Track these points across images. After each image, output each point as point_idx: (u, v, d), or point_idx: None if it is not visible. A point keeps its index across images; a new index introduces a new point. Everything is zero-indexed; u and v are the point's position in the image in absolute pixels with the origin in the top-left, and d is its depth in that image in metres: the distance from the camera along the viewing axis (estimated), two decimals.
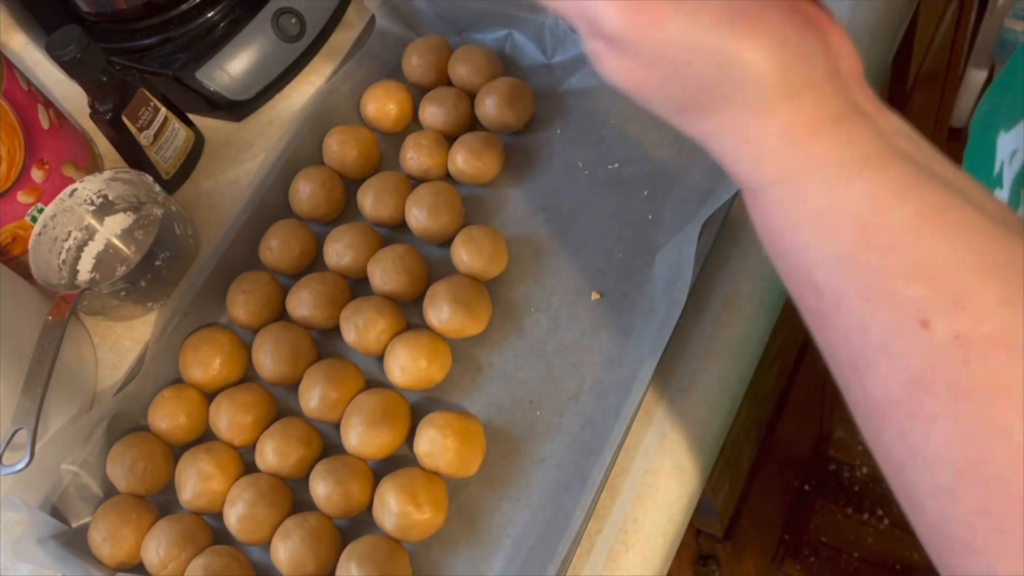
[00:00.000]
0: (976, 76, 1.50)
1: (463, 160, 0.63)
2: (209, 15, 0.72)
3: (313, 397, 0.56)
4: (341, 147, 0.66)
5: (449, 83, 0.69)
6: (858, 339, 0.30)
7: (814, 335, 0.32)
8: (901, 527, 1.30)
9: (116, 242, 0.69)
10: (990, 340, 0.28)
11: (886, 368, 0.29)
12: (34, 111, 0.65)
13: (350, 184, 0.67)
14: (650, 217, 0.60)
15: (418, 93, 0.70)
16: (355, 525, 0.54)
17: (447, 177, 0.65)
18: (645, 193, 0.61)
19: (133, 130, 0.67)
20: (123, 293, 0.63)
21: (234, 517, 0.54)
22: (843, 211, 0.30)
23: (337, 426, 0.56)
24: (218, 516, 0.56)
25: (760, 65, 0.30)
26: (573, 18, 0.32)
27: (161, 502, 0.57)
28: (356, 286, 0.63)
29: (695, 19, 0.30)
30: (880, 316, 0.29)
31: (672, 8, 0.30)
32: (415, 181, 0.65)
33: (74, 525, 0.57)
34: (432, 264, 0.62)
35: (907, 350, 0.29)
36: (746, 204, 0.34)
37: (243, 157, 0.73)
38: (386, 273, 0.60)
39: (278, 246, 0.63)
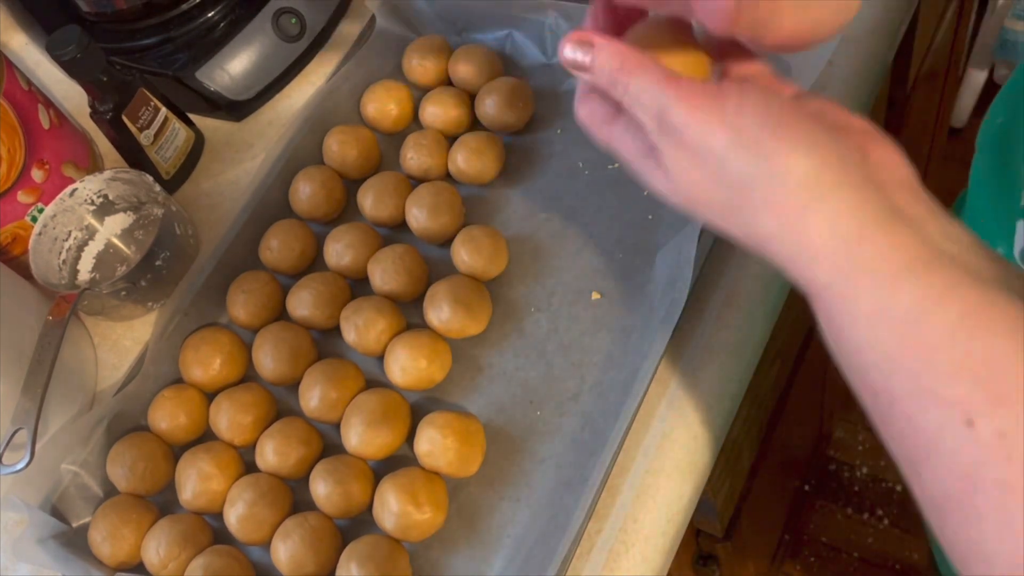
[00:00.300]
0: (976, 76, 1.50)
1: (463, 160, 0.63)
2: (209, 15, 0.72)
3: (313, 397, 0.56)
4: (341, 147, 0.66)
5: (449, 83, 0.69)
6: (911, 437, 0.31)
7: (880, 433, 0.33)
8: (901, 527, 1.30)
9: (116, 242, 0.69)
10: None
11: (938, 465, 0.30)
12: (34, 111, 0.65)
13: (350, 184, 0.67)
14: (650, 217, 0.60)
15: (418, 93, 0.70)
16: (355, 525, 0.54)
17: (447, 177, 0.65)
18: (645, 193, 0.61)
19: (133, 130, 0.67)
20: (123, 293, 0.63)
21: (234, 517, 0.54)
22: (889, 315, 0.31)
23: (337, 426, 0.56)
24: (218, 516, 0.56)
25: (792, 161, 0.33)
26: (647, 109, 0.36)
27: (161, 502, 0.57)
28: (356, 286, 0.63)
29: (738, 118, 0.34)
30: (928, 416, 0.30)
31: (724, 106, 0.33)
32: (415, 181, 0.65)
33: (74, 525, 0.57)
34: (432, 264, 0.62)
35: (955, 448, 0.29)
36: (812, 308, 0.35)
37: (243, 157, 0.73)
38: (386, 273, 0.60)
39: (278, 246, 0.63)
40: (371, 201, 0.63)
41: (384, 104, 0.67)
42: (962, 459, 0.29)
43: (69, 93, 0.75)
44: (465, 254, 0.59)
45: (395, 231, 0.65)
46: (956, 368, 0.30)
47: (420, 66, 0.68)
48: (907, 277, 0.31)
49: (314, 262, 0.65)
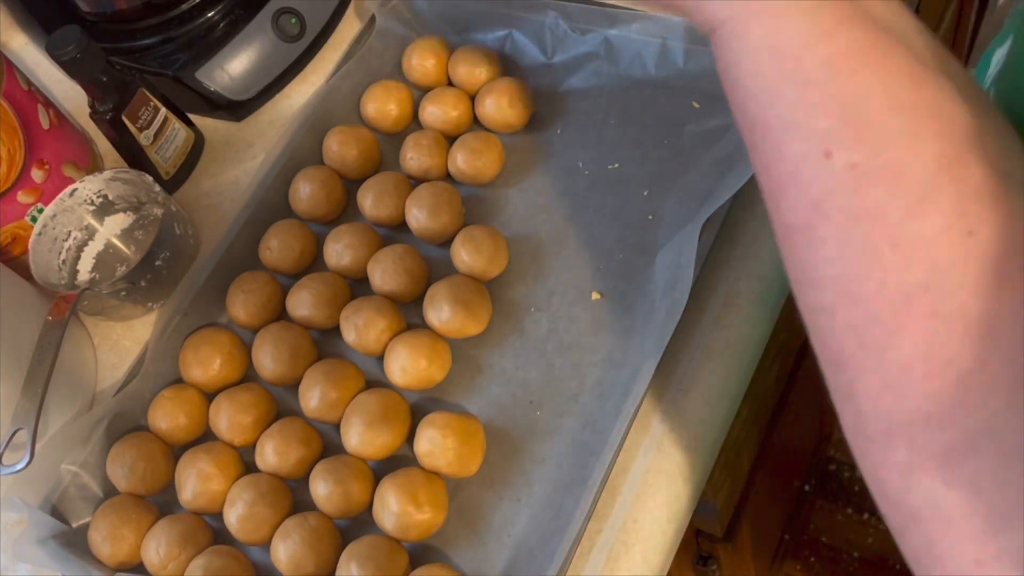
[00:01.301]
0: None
1: (463, 160, 0.63)
2: (209, 15, 0.72)
3: (313, 397, 0.56)
4: (341, 147, 0.66)
5: (449, 83, 0.69)
6: (776, 167, 0.33)
7: (754, 168, 0.35)
8: None
9: (116, 242, 0.69)
10: (881, 170, 0.30)
11: (794, 194, 0.32)
12: (34, 111, 0.65)
13: (350, 184, 0.67)
14: (650, 217, 0.60)
15: (418, 93, 0.70)
16: (355, 525, 0.54)
17: (447, 177, 0.65)
18: (645, 193, 0.61)
19: (133, 130, 0.67)
20: (123, 293, 0.63)
21: (234, 517, 0.54)
22: (774, 46, 0.32)
23: (337, 426, 0.56)
24: (218, 516, 0.56)
25: None
26: None
27: (161, 502, 0.57)
28: (356, 286, 0.63)
29: None
30: (793, 146, 0.32)
31: None
32: (415, 181, 0.65)
33: (74, 525, 0.57)
34: (432, 264, 0.62)
35: (811, 177, 0.31)
36: (712, 51, 0.36)
37: (243, 157, 0.73)
38: (386, 273, 0.60)
39: (278, 246, 0.63)
40: (371, 201, 0.63)
41: (384, 104, 0.67)
42: (815, 188, 0.31)
43: (69, 93, 0.75)
44: (465, 254, 0.59)
45: (395, 231, 0.65)
46: (825, 102, 0.31)
47: (420, 66, 0.68)
48: (799, 9, 0.32)
49: (314, 262, 0.64)
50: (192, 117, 0.73)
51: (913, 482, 0.30)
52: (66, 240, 0.67)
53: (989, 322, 0.28)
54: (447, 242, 0.62)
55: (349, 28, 0.77)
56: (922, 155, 0.30)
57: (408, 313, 0.60)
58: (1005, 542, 0.27)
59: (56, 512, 0.56)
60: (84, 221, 0.67)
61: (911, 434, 0.29)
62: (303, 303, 0.60)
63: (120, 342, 0.66)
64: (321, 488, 0.53)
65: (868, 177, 0.30)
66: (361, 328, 0.58)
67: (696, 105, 0.63)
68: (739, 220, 0.59)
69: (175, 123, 0.70)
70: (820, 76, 0.31)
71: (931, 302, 0.29)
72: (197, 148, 0.73)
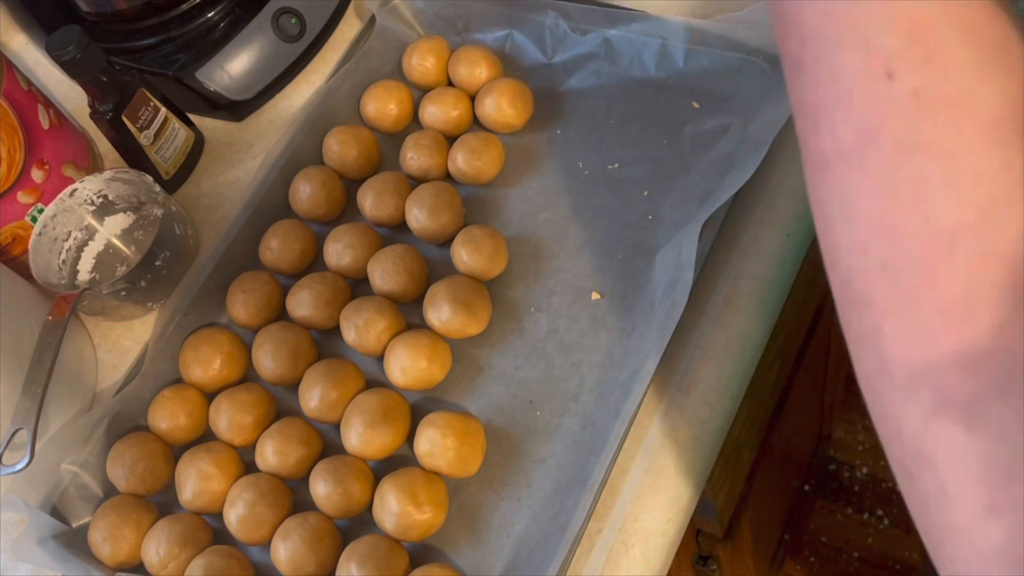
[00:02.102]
0: None
1: (463, 160, 0.63)
2: (209, 15, 0.72)
3: (313, 397, 0.56)
4: (341, 147, 0.66)
5: (449, 83, 0.69)
6: (826, 87, 0.30)
7: (789, 85, 0.33)
8: (901, 527, 1.30)
9: (116, 242, 0.69)
10: (945, 99, 0.28)
11: (844, 117, 0.30)
12: (34, 111, 0.65)
13: (350, 184, 0.67)
14: (650, 217, 0.60)
15: (418, 93, 0.70)
16: (355, 525, 0.54)
17: (447, 177, 0.65)
18: (645, 193, 0.61)
19: (133, 130, 0.67)
20: (123, 293, 0.63)
21: (234, 517, 0.54)
22: None
23: (337, 426, 0.56)
24: (218, 516, 0.56)
25: None
26: None
27: (161, 502, 0.57)
28: (356, 286, 0.63)
29: None
30: (852, 63, 0.29)
31: None
32: (415, 181, 0.65)
33: (74, 525, 0.57)
34: (432, 264, 0.62)
35: (867, 99, 0.29)
36: None
37: (243, 157, 0.73)
38: (386, 273, 0.60)
39: (278, 246, 0.63)
40: (371, 201, 0.63)
41: (384, 104, 0.67)
42: (869, 112, 0.29)
43: (69, 93, 0.75)
44: (465, 254, 0.59)
45: (395, 231, 0.65)
46: (896, 18, 0.29)
47: (420, 66, 0.68)
48: None
49: (314, 262, 0.64)
50: (192, 117, 0.73)
51: (933, 427, 0.29)
52: (66, 240, 0.67)
53: None
54: (447, 242, 0.62)
55: (349, 28, 0.77)
56: (990, 89, 0.28)
57: (408, 313, 0.60)
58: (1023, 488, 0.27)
59: (56, 512, 0.56)
60: (84, 221, 0.67)
61: (939, 379, 0.29)
62: (303, 303, 0.60)
63: (120, 342, 0.66)
64: (321, 488, 0.53)
65: (931, 105, 0.28)
66: (361, 328, 0.58)
67: (696, 105, 0.63)
68: (739, 220, 0.59)
69: (175, 123, 0.70)
70: None
71: (977, 243, 0.28)
72: (197, 148, 0.73)
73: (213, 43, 0.72)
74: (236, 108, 0.73)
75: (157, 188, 0.65)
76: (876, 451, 1.36)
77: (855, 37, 0.29)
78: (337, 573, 0.51)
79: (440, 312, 0.57)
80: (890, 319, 0.29)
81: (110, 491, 0.58)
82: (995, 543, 0.28)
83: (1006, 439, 0.27)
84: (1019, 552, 0.27)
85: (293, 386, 0.59)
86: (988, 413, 0.28)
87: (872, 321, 0.30)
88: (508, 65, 0.69)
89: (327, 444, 0.57)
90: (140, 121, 0.67)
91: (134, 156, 0.69)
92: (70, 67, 0.62)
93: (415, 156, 0.65)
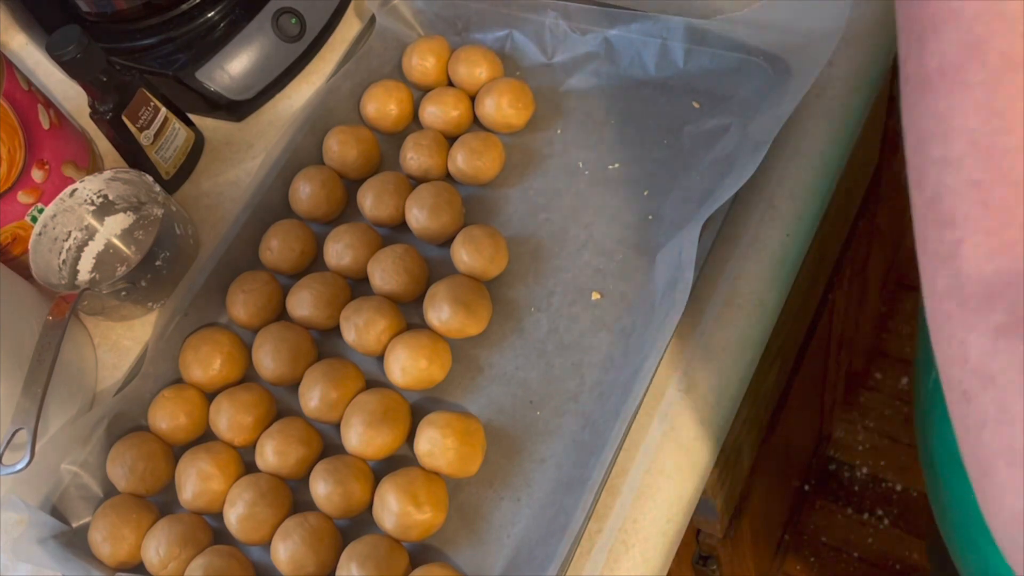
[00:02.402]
0: None
1: (463, 160, 0.63)
2: (209, 15, 0.72)
3: (313, 397, 0.56)
4: (341, 147, 0.66)
5: (449, 83, 0.69)
6: (934, 4, 0.30)
7: (898, 6, 0.32)
8: (901, 527, 1.30)
9: (116, 242, 0.69)
10: None
11: (952, 33, 0.29)
12: (34, 111, 0.65)
13: (350, 184, 0.67)
14: (650, 217, 0.60)
15: (418, 93, 0.70)
16: (355, 525, 0.54)
17: (447, 177, 0.65)
18: (645, 193, 0.61)
19: (133, 130, 0.67)
20: (123, 293, 0.63)
21: (234, 517, 0.54)
22: None
23: (337, 426, 0.56)
24: (218, 516, 0.56)
25: None
26: None
27: (161, 502, 0.57)
28: (356, 286, 0.63)
29: None
30: None
31: None
32: (415, 181, 0.65)
33: (74, 525, 0.57)
34: (432, 264, 0.62)
35: (976, 15, 0.29)
36: None
37: (243, 157, 0.73)
38: (386, 273, 0.60)
39: (278, 246, 0.63)
40: (371, 201, 0.63)
41: (384, 104, 0.67)
42: (978, 26, 0.29)
43: (69, 93, 0.75)
44: (465, 254, 0.59)
45: (395, 231, 0.65)
46: None
47: (420, 66, 0.68)
48: None
49: (314, 262, 0.64)
50: (192, 117, 0.73)
51: (1002, 345, 0.29)
52: (66, 240, 0.67)
53: None
54: (447, 242, 0.62)
55: (349, 28, 0.77)
56: None
57: (408, 313, 0.60)
58: None
59: (56, 512, 0.56)
60: (84, 221, 0.67)
61: (1014, 296, 0.29)
62: (303, 303, 0.60)
63: (120, 342, 0.66)
64: (321, 488, 0.53)
65: None
66: (361, 328, 0.58)
67: (696, 105, 0.63)
68: (739, 220, 0.59)
69: (175, 123, 0.70)
70: None
71: None
72: (197, 148, 0.73)
73: (213, 43, 0.72)
74: (236, 108, 0.73)
75: (157, 188, 0.65)
76: (876, 451, 1.36)
77: None
78: (337, 573, 0.51)
79: (440, 312, 0.57)
80: (973, 236, 0.29)
81: (110, 491, 0.58)
82: None
83: None
84: None
85: (293, 386, 0.59)
86: None
87: (953, 238, 0.30)
88: (508, 65, 0.69)
89: (327, 444, 0.57)
90: (140, 121, 0.67)
91: (134, 156, 0.69)
92: (70, 67, 0.62)
93: (415, 156, 0.65)
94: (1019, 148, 0.28)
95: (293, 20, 0.73)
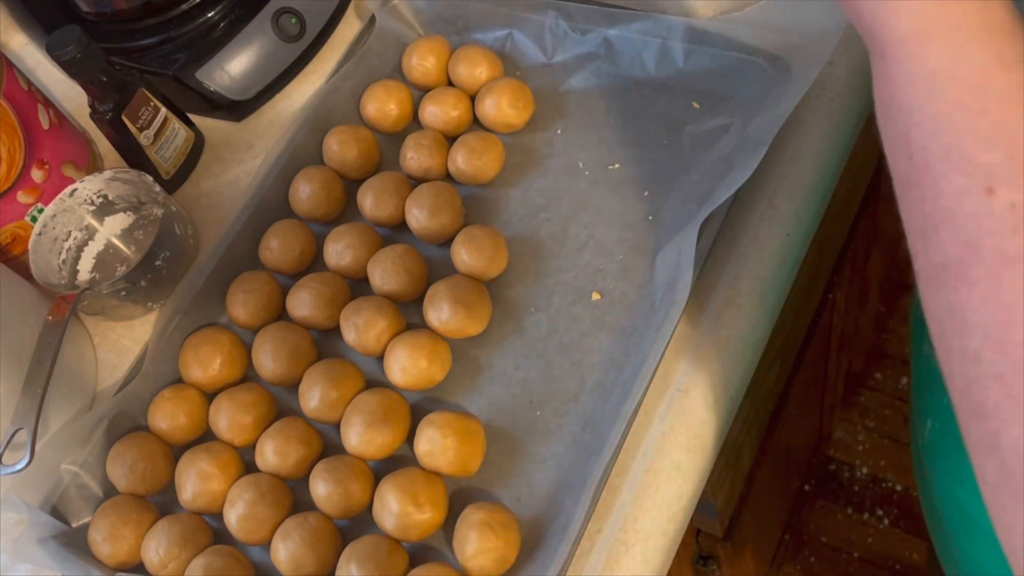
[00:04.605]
0: None
1: (463, 160, 0.63)
2: (209, 15, 0.72)
3: (313, 397, 0.56)
4: (341, 147, 0.66)
5: (449, 83, 0.69)
6: (931, 202, 0.31)
7: (899, 202, 0.33)
8: (901, 527, 1.30)
9: (116, 242, 0.69)
10: None
11: (949, 232, 0.31)
12: (34, 111, 0.65)
13: (350, 184, 0.67)
14: (650, 217, 0.60)
15: (418, 93, 0.70)
16: (355, 525, 0.54)
17: (447, 177, 0.65)
18: (645, 193, 0.61)
19: (133, 130, 0.67)
20: (123, 293, 0.63)
21: (234, 517, 0.54)
22: (952, 74, 0.31)
23: (337, 426, 0.56)
24: (218, 516, 0.56)
25: None
26: None
27: (161, 502, 0.57)
28: (356, 286, 0.63)
29: None
30: (955, 180, 0.30)
31: None
32: (415, 181, 0.65)
33: (74, 525, 0.57)
34: (432, 264, 0.62)
35: (968, 215, 0.30)
36: (872, 68, 0.35)
37: (243, 157, 0.73)
38: (386, 273, 0.60)
39: (278, 246, 0.63)
40: (371, 201, 0.63)
41: (384, 104, 0.67)
42: (971, 226, 0.30)
43: (69, 93, 0.75)
44: (465, 254, 0.59)
45: (395, 231, 0.65)
46: (995, 136, 0.30)
47: (420, 66, 0.68)
48: (982, 39, 0.31)
49: (314, 262, 0.64)
50: (192, 117, 0.73)
51: None
52: (66, 240, 0.67)
53: None
54: (447, 242, 0.62)
55: (349, 28, 0.77)
56: None
57: (408, 313, 0.60)
58: None
59: (56, 512, 0.56)
60: (84, 221, 0.67)
61: None
62: (303, 303, 0.60)
63: (120, 342, 0.66)
64: (321, 488, 0.53)
65: None
66: (361, 328, 0.58)
67: (696, 105, 0.63)
68: (739, 220, 0.59)
69: (175, 123, 0.70)
70: (994, 108, 0.30)
71: None
72: (197, 148, 0.73)
73: (213, 43, 0.72)
74: (236, 108, 0.73)
75: (157, 188, 0.65)
76: (876, 451, 1.36)
77: (958, 155, 0.30)
78: (337, 573, 0.51)
79: (440, 312, 0.57)
80: (1009, 429, 0.29)
81: (110, 491, 0.58)
82: None
83: None
84: None
85: (293, 386, 0.59)
86: None
87: (990, 431, 0.30)
88: (508, 65, 0.69)
89: (327, 444, 0.57)
90: (140, 121, 0.67)
91: (134, 156, 0.69)
92: (70, 67, 0.62)
93: (415, 156, 0.65)
94: None
95: (293, 20, 0.73)
